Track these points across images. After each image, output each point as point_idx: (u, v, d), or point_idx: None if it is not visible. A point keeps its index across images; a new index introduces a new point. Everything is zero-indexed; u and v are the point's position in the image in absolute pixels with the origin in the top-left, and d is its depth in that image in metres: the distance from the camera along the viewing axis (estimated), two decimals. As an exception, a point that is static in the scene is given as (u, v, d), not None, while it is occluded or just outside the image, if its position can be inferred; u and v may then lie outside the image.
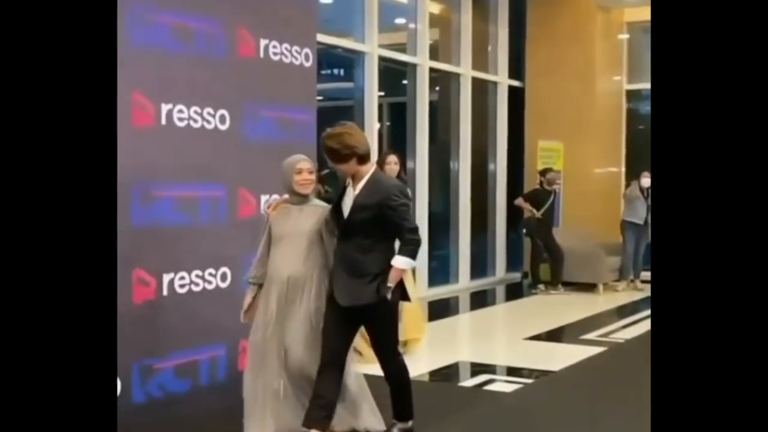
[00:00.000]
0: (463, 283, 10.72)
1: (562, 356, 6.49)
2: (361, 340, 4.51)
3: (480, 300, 10.19)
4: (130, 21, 4.65)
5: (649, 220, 10.07)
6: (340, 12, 9.38)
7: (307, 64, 5.88)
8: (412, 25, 9.87)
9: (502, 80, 11.45)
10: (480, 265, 11.25)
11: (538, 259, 10.48)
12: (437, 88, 10.71)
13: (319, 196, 4.39)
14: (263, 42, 5.52)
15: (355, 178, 3.96)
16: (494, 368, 6.31)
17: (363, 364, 4.78)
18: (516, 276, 11.58)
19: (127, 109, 4.65)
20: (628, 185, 11.02)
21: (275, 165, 4.25)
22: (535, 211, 10.27)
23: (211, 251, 5.17)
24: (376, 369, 4.19)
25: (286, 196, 4.29)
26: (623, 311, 9.07)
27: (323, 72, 9.19)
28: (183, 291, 5.00)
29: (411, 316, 6.26)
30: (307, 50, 5.86)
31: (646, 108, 12.11)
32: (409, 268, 4.00)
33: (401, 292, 4.02)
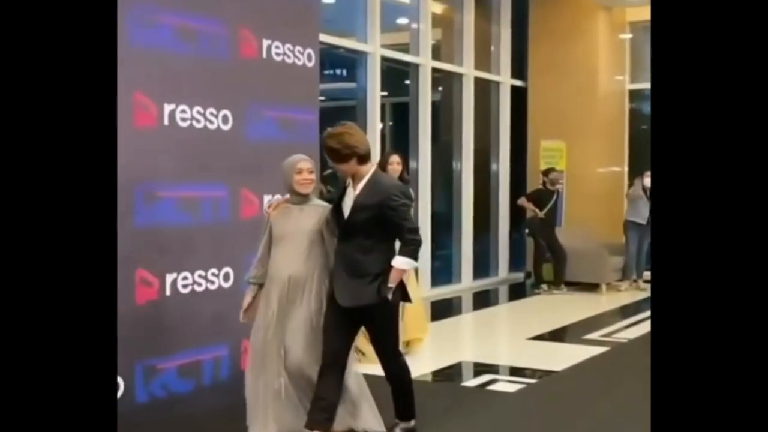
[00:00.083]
0: (466, 283, 10.71)
1: (564, 356, 6.48)
2: (363, 339, 4.51)
3: (483, 300, 10.18)
4: (132, 21, 4.66)
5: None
6: (342, 12, 9.38)
7: (310, 65, 5.89)
8: (414, 25, 9.87)
9: (505, 80, 11.45)
10: (483, 265, 11.25)
11: (541, 259, 10.48)
12: (440, 88, 10.71)
13: (321, 196, 4.39)
14: (266, 42, 5.53)
15: (356, 178, 3.96)
16: (497, 368, 6.31)
17: (365, 363, 4.78)
18: (519, 276, 11.58)
19: (130, 110, 4.66)
20: (631, 185, 11.01)
21: (278, 165, 4.25)
22: (538, 210, 10.27)
23: (213, 251, 5.18)
24: (377, 368, 4.19)
25: (287, 195, 4.29)
26: (626, 311, 9.06)
27: (326, 72, 9.19)
28: (186, 291, 5.01)
29: (414, 316, 6.26)
30: (309, 50, 5.87)
31: (648, 108, 12.09)
32: (409, 269, 3.99)
33: (402, 293, 4.02)
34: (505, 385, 5.67)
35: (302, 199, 4.13)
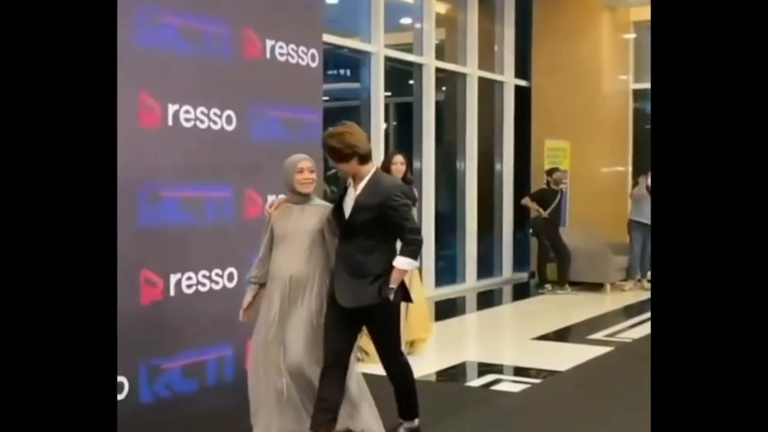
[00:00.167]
0: (470, 282, 10.71)
1: (569, 356, 6.48)
2: (366, 339, 4.51)
3: (487, 300, 10.18)
4: (136, 22, 4.66)
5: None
6: (346, 12, 9.39)
7: (313, 65, 5.89)
8: (418, 25, 9.87)
9: (509, 80, 11.44)
10: (487, 265, 11.24)
11: (545, 259, 10.47)
12: (443, 88, 10.71)
13: (325, 196, 4.39)
14: (269, 43, 5.53)
15: (356, 178, 3.94)
16: (501, 368, 6.30)
17: (369, 363, 4.79)
18: (523, 276, 11.57)
19: (134, 110, 4.67)
20: (635, 185, 11.01)
21: (281, 165, 4.25)
22: (541, 210, 10.26)
23: (217, 251, 5.18)
24: (380, 368, 4.18)
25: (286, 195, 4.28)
26: (630, 311, 9.05)
27: (329, 72, 9.20)
28: (190, 291, 5.02)
29: (418, 316, 6.26)
30: (313, 51, 5.87)
31: (652, 107, 12.07)
32: (410, 269, 3.98)
33: (403, 293, 4.01)
34: (510, 385, 5.67)
35: (303, 198, 4.13)
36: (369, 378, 4.35)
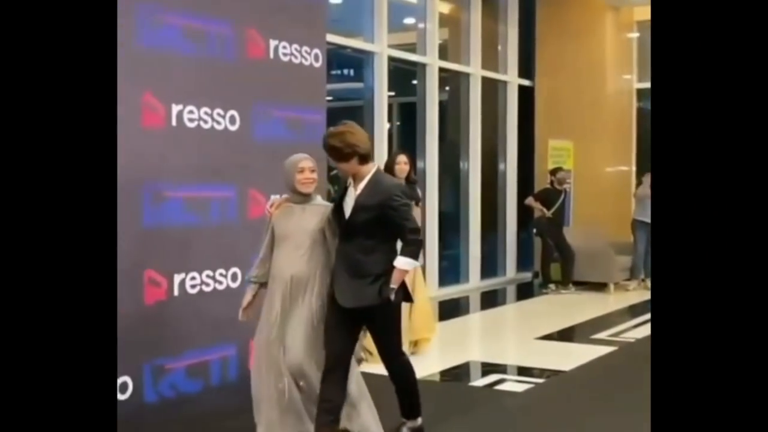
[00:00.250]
0: (474, 282, 10.71)
1: (573, 356, 6.48)
2: (370, 339, 4.51)
3: (490, 300, 10.18)
4: (139, 22, 4.67)
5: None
6: (349, 12, 9.39)
7: (317, 65, 5.89)
8: (421, 25, 9.87)
9: (512, 79, 11.43)
10: (490, 265, 11.24)
11: (548, 259, 10.47)
12: (447, 88, 10.70)
13: (329, 196, 4.38)
14: (273, 43, 5.53)
15: (356, 177, 3.92)
16: (505, 368, 6.30)
17: (372, 363, 4.79)
18: (526, 275, 11.57)
19: (138, 110, 4.68)
20: (638, 184, 10.99)
21: (282, 165, 4.24)
22: (545, 210, 10.26)
23: (221, 251, 5.18)
24: (383, 368, 4.18)
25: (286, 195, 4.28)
26: (634, 311, 9.04)
27: (333, 72, 9.20)
28: (194, 291, 5.03)
29: (421, 316, 6.26)
30: (316, 51, 5.87)
31: (656, 107, 12.05)
32: (411, 269, 3.97)
33: (403, 293, 4.00)
34: (513, 385, 5.67)
35: (304, 198, 4.12)
36: (372, 377, 4.35)
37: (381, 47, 8.88)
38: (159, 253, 4.82)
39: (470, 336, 8.18)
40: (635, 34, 11.98)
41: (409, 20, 10.25)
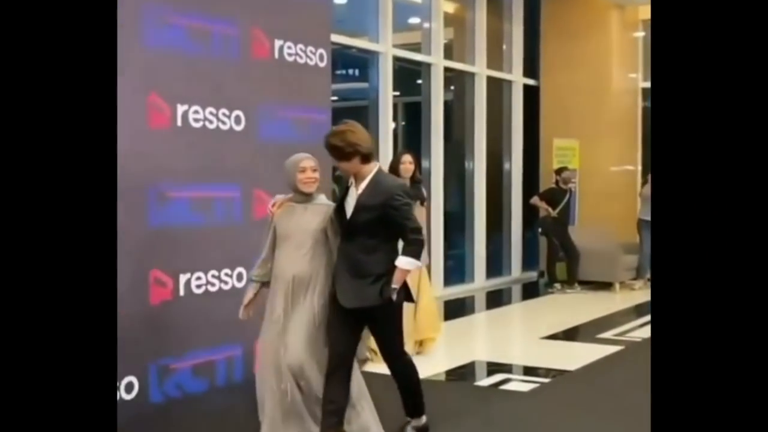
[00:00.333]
0: (479, 282, 10.70)
1: (578, 355, 6.47)
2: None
3: (496, 299, 10.17)
4: (146, 23, 4.68)
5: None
6: (354, 12, 9.39)
7: (322, 65, 5.90)
8: (426, 25, 9.87)
9: (517, 79, 11.43)
10: (496, 265, 11.23)
11: (554, 258, 10.46)
12: (452, 88, 10.70)
13: (334, 196, 4.38)
14: (278, 43, 5.54)
15: (358, 177, 3.91)
16: (510, 367, 6.29)
17: (377, 362, 4.78)
18: (532, 275, 11.56)
19: (143, 111, 4.69)
20: (644, 183, 10.97)
21: (284, 165, 4.24)
22: (550, 209, 10.25)
23: (226, 251, 5.19)
24: (386, 368, 4.18)
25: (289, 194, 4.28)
26: (640, 310, 9.02)
27: (338, 72, 9.21)
28: (199, 291, 5.04)
29: (426, 316, 6.26)
30: (321, 51, 5.88)
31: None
32: (413, 269, 3.95)
33: (405, 293, 3.99)
34: (519, 385, 5.66)
35: (306, 198, 4.11)
36: (375, 377, 4.35)
37: (386, 47, 8.88)
38: (165, 253, 4.83)
39: (476, 336, 8.18)
40: (640, 33, 11.96)
41: (414, 20, 10.25)
